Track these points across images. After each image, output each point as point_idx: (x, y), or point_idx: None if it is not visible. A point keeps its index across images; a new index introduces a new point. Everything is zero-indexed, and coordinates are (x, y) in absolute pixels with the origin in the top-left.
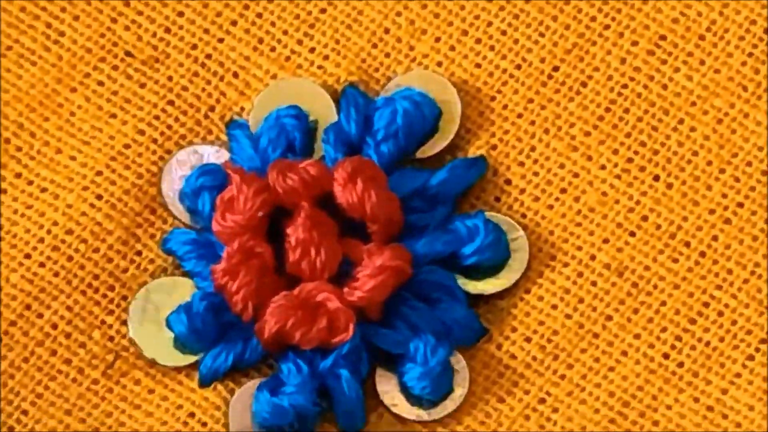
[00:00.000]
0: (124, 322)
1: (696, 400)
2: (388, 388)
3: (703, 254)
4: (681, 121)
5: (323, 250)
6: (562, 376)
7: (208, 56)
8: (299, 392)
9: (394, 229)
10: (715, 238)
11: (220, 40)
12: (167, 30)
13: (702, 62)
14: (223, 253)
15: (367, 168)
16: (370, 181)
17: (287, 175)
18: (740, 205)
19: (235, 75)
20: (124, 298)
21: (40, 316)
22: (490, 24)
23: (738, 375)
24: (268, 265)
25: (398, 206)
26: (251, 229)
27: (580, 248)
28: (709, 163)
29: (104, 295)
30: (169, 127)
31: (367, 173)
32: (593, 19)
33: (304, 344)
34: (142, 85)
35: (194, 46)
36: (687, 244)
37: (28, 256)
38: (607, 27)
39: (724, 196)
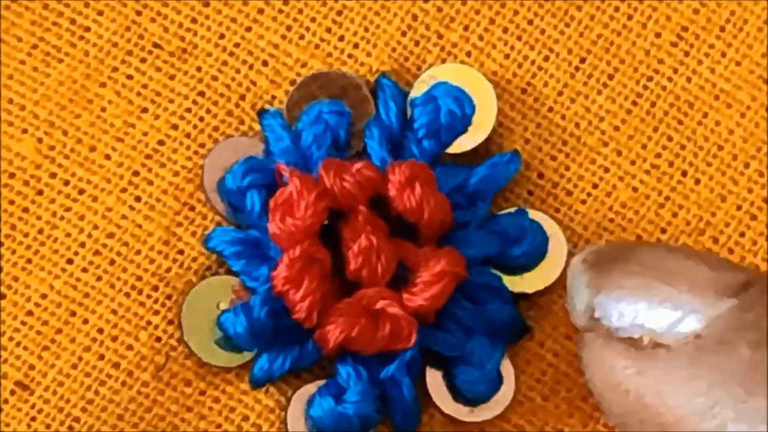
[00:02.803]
0: (170, 322)
1: None
2: (437, 388)
3: (731, 251)
4: (706, 115)
5: (383, 256)
6: None
7: (236, 45)
8: (363, 400)
9: (445, 231)
10: (742, 234)
11: (248, 29)
12: (194, 20)
13: (723, 54)
14: (280, 257)
15: (422, 172)
16: (426, 185)
17: (343, 178)
18: (765, 200)
19: (265, 63)
20: (169, 297)
21: (86, 321)
22: (516, 12)
23: None
24: (327, 270)
25: (450, 209)
26: (312, 234)
27: None
28: (735, 157)
29: (148, 296)
30: (201, 119)
31: (422, 177)
32: (617, 9)
33: (366, 351)
34: (172, 77)
35: (222, 36)
36: (716, 241)
37: (70, 261)
38: (630, 18)
39: (750, 191)
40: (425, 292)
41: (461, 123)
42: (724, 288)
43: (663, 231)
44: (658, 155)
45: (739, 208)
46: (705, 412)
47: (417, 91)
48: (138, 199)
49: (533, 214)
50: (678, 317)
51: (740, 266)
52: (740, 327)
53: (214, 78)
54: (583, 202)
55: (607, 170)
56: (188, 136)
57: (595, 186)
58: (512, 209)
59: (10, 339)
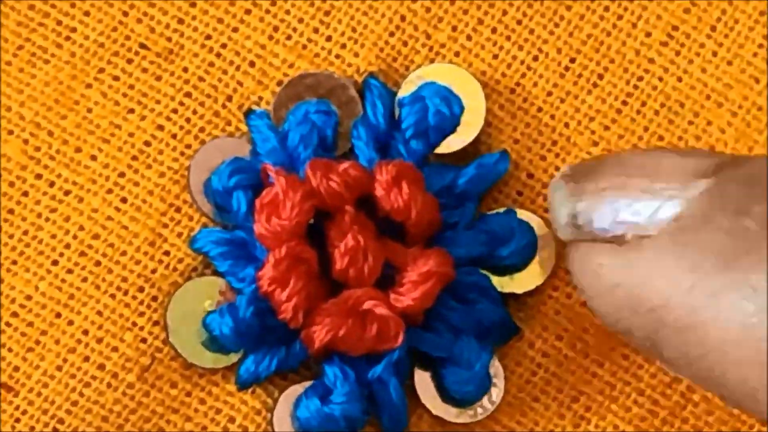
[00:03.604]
0: (156, 323)
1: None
2: (426, 389)
3: None
4: (697, 115)
5: (370, 256)
6: (594, 374)
7: (223, 46)
8: (350, 401)
9: (433, 231)
10: None
11: (235, 30)
12: (180, 21)
13: (714, 53)
14: (266, 257)
15: (409, 171)
16: (414, 185)
17: (330, 178)
18: None
19: (252, 64)
20: (154, 298)
21: (71, 323)
22: (505, 13)
23: None
24: (314, 270)
25: (438, 209)
26: (298, 234)
27: None
28: None
29: (134, 297)
30: (188, 120)
31: (410, 177)
32: (606, 8)
33: (353, 352)
34: (158, 78)
35: (208, 37)
36: None
37: (55, 263)
38: (620, 17)
39: None
40: (413, 293)
41: (450, 123)
42: (698, 171)
43: None
44: None
45: None
46: (692, 286)
47: (405, 91)
48: (124, 200)
49: (522, 214)
50: (657, 206)
51: (712, 152)
52: (717, 202)
53: (201, 79)
54: None
55: None
56: (174, 137)
57: None
58: (501, 209)
59: None
